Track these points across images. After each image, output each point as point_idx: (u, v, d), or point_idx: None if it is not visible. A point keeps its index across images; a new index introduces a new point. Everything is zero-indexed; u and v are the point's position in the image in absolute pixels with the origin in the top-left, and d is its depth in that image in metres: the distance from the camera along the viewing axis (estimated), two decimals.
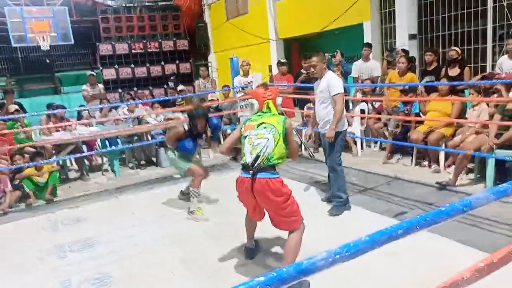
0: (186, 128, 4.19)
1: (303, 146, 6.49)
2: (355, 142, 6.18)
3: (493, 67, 6.10)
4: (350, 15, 8.21)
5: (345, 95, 4.05)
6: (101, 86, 8.46)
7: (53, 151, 6.10)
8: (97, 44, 12.16)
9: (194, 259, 3.27)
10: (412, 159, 5.39)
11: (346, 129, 4.06)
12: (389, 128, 5.78)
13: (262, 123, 2.78)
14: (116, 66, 12.09)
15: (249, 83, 7.00)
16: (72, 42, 11.27)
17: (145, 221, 4.19)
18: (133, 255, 3.42)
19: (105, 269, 3.20)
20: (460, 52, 5.60)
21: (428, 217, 0.88)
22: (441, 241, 3.10)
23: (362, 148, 6.32)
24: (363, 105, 6.44)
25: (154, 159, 6.78)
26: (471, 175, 4.64)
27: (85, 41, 13.02)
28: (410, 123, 5.46)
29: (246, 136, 2.79)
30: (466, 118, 4.90)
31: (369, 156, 6.02)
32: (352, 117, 6.16)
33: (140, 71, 12.37)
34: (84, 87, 8.14)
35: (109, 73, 12.08)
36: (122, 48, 12.19)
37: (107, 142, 6.71)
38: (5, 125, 5.88)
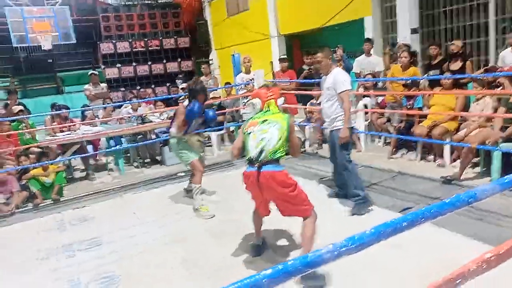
0: (186, 104, 4.23)
1: (306, 142, 6.49)
2: (358, 138, 6.17)
3: (496, 60, 6.07)
4: (351, 10, 8.18)
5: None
6: (103, 85, 8.48)
7: (58, 151, 6.13)
8: (98, 43, 12.19)
9: (199, 257, 3.28)
10: (416, 153, 5.38)
11: (353, 126, 4.00)
12: (393, 124, 5.78)
13: (266, 119, 2.84)
14: (118, 65, 12.12)
15: (251, 80, 6.99)
16: (74, 41, 11.34)
17: (150, 219, 4.21)
18: (138, 254, 3.44)
19: (113, 268, 3.22)
20: (461, 45, 5.57)
21: (433, 209, 0.88)
22: (446, 234, 3.10)
23: (366, 143, 6.31)
24: (366, 100, 6.43)
25: (158, 158, 6.80)
26: (477, 169, 4.62)
27: (87, 40, 13.06)
28: (413, 117, 5.45)
29: (250, 133, 2.82)
30: (469, 112, 4.88)
31: (373, 151, 6.01)
32: (356, 112, 6.15)
33: (142, 70, 12.39)
34: (86, 86, 8.15)
35: (111, 72, 12.11)
36: (123, 46, 12.21)
37: (111, 141, 6.73)
38: (10, 126, 5.91)
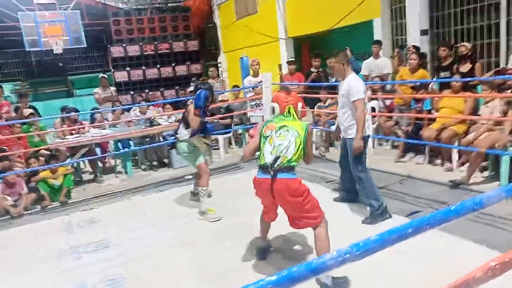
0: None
1: (313, 145, 6.47)
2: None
3: (507, 62, 5.99)
4: (360, 12, 8.16)
5: None
6: (113, 88, 8.57)
7: (68, 154, 6.20)
8: (109, 46, 12.32)
9: (206, 260, 3.29)
10: (424, 157, 5.33)
11: (369, 135, 3.87)
12: (401, 127, 5.73)
13: (285, 125, 2.80)
14: (128, 68, 12.23)
15: (259, 83, 7.00)
16: (85, 45, 11.46)
17: (157, 222, 4.23)
18: (146, 256, 3.46)
19: (120, 271, 3.24)
20: (470, 47, 5.51)
21: (438, 216, 0.88)
22: (454, 240, 3.07)
23: (373, 146, 6.28)
24: (373, 103, 6.39)
25: (166, 161, 6.84)
26: (485, 173, 4.57)
27: (97, 44, 13.22)
28: (422, 120, 5.41)
29: (267, 137, 2.78)
30: (479, 115, 4.83)
31: (381, 155, 5.98)
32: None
33: (152, 73, 12.48)
34: (96, 90, 8.25)
35: (121, 76, 12.22)
36: (133, 50, 12.31)
37: (119, 144, 6.79)
38: (20, 128, 6.00)
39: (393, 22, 7.94)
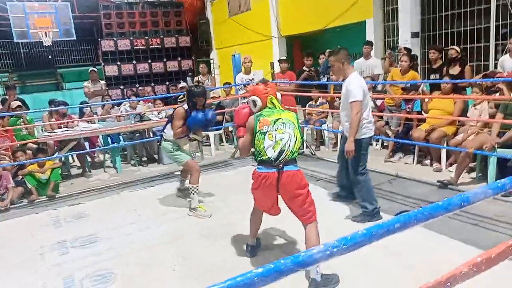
0: (186, 107, 4.14)
1: (304, 144, 6.50)
2: None
3: (495, 65, 6.09)
4: (353, 13, 8.20)
5: None
6: (102, 82, 8.48)
7: (55, 148, 6.12)
8: (99, 40, 12.18)
9: (195, 257, 3.28)
10: (414, 157, 5.39)
11: (371, 136, 3.77)
12: (391, 127, 5.78)
13: (279, 118, 2.77)
14: (118, 63, 12.11)
15: (251, 80, 6.99)
16: (74, 38, 11.32)
17: (146, 218, 4.20)
18: (134, 251, 3.44)
19: (107, 266, 3.21)
20: (459, 50, 5.59)
21: (425, 211, 0.88)
22: (441, 239, 3.11)
23: None
24: None
25: (155, 156, 6.80)
26: (473, 174, 4.63)
27: (87, 37, 13.07)
28: (412, 121, 5.46)
29: (265, 132, 2.74)
30: (468, 117, 4.89)
31: (370, 154, 5.98)
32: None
33: (142, 68, 12.39)
34: (85, 83, 8.15)
35: (111, 70, 12.10)
36: (124, 44, 12.20)
37: (109, 139, 6.73)
38: (7, 120, 5.90)
39: (385, 24, 8.01)
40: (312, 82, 6.79)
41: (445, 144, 4.92)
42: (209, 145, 7.01)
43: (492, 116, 4.47)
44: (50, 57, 13.32)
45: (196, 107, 4.11)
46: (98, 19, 12.38)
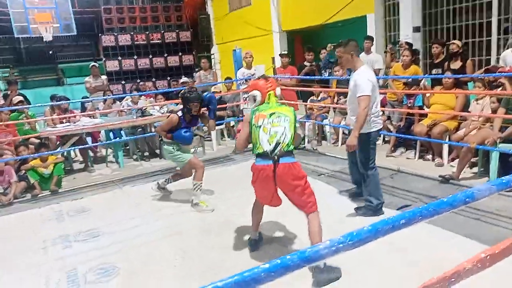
0: (180, 114, 4.12)
1: (306, 139, 6.50)
2: None
3: (497, 60, 6.07)
4: (354, 7, 8.17)
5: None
6: (104, 77, 8.47)
7: (58, 143, 6.14)
8: (100, 35, 12.15)
9: (196, 251, 3.29)
10: (415, 152, 5.39)
11: (378, 130, 3.67)
12: (393, 122, 5.78)
13: (274, 112, 2.82)
14: (119, 58, 12.09)
15: (252, 75, 6.98)
16: (75, 33, 11.30)
17: (148, 212, 4.22)
18: (136, 245, 3.46)
19: (110, 260, 3.23)
20: (461, 45, 5.57)
21: (430, 208, 0.89)
22: (445, 235, 3.12)
23: None
24: None
25: (157, 151, 6.81)
26: (475, 169, 4.63)
27: (88, 32, 13.03)
28: (413, 116, 5.46)
29: (259, 126, 2.79)
30: (469, 112, 4.89)
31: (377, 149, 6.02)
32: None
33: (143, 63, 12.37)
34: (87, 78, 8.14)
35: (112, 65, 12.08)
36: (124, 39, 12.17)
37: (111, 134, 6.74)
38: (9, 115, 5.91)
39: (386, 18, 7.97)
40: (313, 77, 6.78)
41: (447, 139, 4.92)
42: (211, 140, 7.02)
43: (494, 111, 4.46)
44: (50, 52, 13.30)
45: (191, 113, 4.10)
46: (98, 14, 12.36)
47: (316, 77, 6.84)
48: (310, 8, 9.46)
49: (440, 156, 5.05)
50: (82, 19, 12.27)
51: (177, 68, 12.40)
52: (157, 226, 3.83)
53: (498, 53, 6.23)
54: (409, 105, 5.62)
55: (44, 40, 10.99)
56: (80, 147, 6.11)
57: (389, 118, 5.92)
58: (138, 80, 11.61)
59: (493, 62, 6.28)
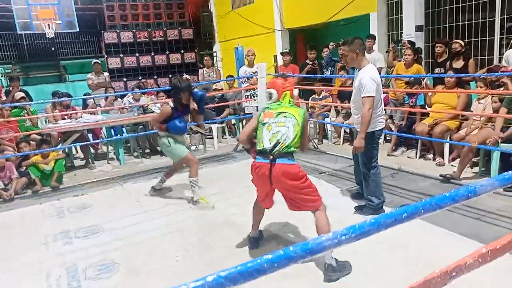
0: (172, 105, 4.15)
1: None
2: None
3: (500, 59, 6.06)
4: (357, 6, 8.16)
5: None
6: (106, 74, 8.48)
7: (59, 139, 6.14)
8: (102, 32, 12.14)
9: (197, 248, 3.30)
10: (416, 151, 5.39)
11: (381, 128, 3.66)
12: (395, 121, 5.77)
13: (283, 112, 2.81)
14: (121, 55, 12.08)
15: (254, 73, 6.98)
16: (77, 30, 11.27)
17: (149, 209, 4.22)
18: (137, 242, 3.46)
19: (110, 256, 3.23)
20: (463, 44, 5.56)
21: (433, 202, 0.89)
22: (443, 233, 3.13)
23: None
24: None
25: (158, 148, 6.81)
26: (476, 169, 4.64)
27: (90, 29, 13.02)
28: (415, 115, 5.45)
29: (265, 123, 2.80)
30: (471, 111, 4.88)
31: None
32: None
33: (145, 60, 12.34)
34: (89, 75, 8.16)
35: (114, 62, 12.06)
36: (127, 36, 12.15)
37: (112, 131, 6.74)
38: (10, 111, 5.92)
39: (389, 17, 7.96)
40: (315, 76, 6.77)
41: (448, 139, 4.91)
42: (212, 138, 7.02)
43: (496, 110, 4.45)
44: (53, 49, 13.28)
45: (181, 102, 4.13)
46: (101, 11, 12.34)
47: (318, 75, 6.84)
48: (312, 7, 9.45)
49: (441, 155, 5.05)
50: (85, 16, 12.26)
51: (179, 66, 12.36)
52: (158, 223, 3.83)
53: (501, 53, 6.22)
54: (411, 104, 5.61)
55: (47, 36, 10.98)
56: (81, 143, 6.11)
57: (391, 117, 5.92)
58: (140, 78, 11.60)
59: (495, 62, 6.27)
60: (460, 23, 6.87)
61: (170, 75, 11.98)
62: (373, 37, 6.97)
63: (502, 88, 4.55)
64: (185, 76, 8.71)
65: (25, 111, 6.22)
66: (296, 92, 3.05)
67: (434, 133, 4.93)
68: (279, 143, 2.70)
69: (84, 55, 13.64)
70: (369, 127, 3.44)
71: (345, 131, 6.46)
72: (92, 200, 4.66)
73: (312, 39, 10.27)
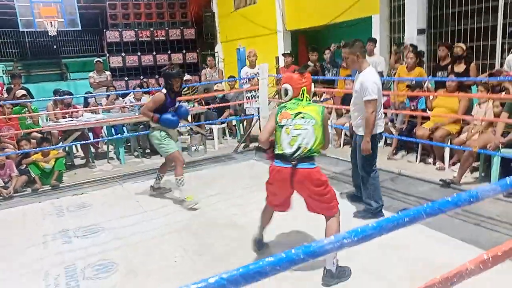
0: (164, 91, 4.16)
1: None
2: None
3: (501, 64, 6.06)
4: (359, 8, 8.16)
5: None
6: (108, 73, 8.48)
7: (59, 137, 6.14)
8: (104, 31, 12.17)
9: (197, 248, 3.30)
10: (417, 155, 5.38)
11: (381, 132, 3.67)
12: (396, 125, 5.77)
13: (300, 112, 2.67)
14: (123, 54, 12.10)
15: (255, 74, 6.98)
16: (79, 28, 11.29)
17: (149, 209, 4.22)
18: (136, 242, 3.46)
19: (109, 256, 3.23)
20: (465, 48, 5.56)
21: (435, 206, 0.89)
22: (444, 239, 3.12)
23: None
24: None
25: None
26: (476, 174, 4.63)
27: (92, 27, 13.03)
28: (416, 119, 5.45)
29: (282, 126, 2.67)
30: (472, 115, 4.88)
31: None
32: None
33: (147, 59, 12.38)
34: (91, 74, 8.16)
35: (115, 61, 12.10)
36: (129, 35, 12.19)
37: (112, 130, 6.74)
38: (11, 109, 5.92)
39: (391, 20, 7.96)
40: (316, 77, 6.76)
41: (449, 143, 4.91)
42: (212, 139, 7.02)
43: (497, 115, 4.45)
44: (55, 47, 13.29)
45: (173, 89, 4.15)
46: (103, 9, 12.37)
47: (319, 77, 6.83)
48: (315, 8, 9.46)
49: (442, 159, 5.04)
50: (87, 14, 12.27)
51: (180, 66, 12.39)
52: (157, 223, 3.83)
53: (502, 57, 6.22)
54: (412, 107, 5.61)
55: (49, 34, 11.00)
56: (81, 142, 6.12)
57: (392, 121, 5.92)
58: (142, 77, 11.62)
59: (497, 66, 6.27)
60: (462, 27, 6.87)
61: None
62: (374, 41, 6.98)
63: (504, 93, 4.55)
64: (187, 76, 8.71)
65: (26, 109, 6.21)
66: (313, 87, 2.91)
67: (435, 137, 4.93)
68: (301, 147, 2.60)
69: (86, 53, 13.65)
70: (373, 129, 3.45)
71: (345, 134, 6.45)
72: (92, 199, 4.66)
73: (314, 41, 10.27)
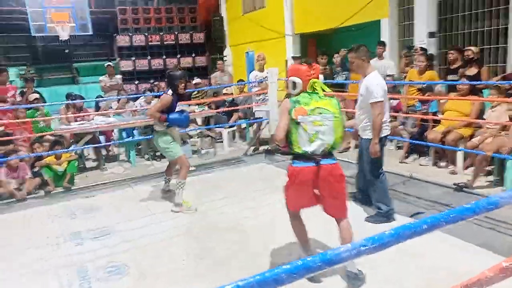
0: (170, 93, 4.19)
1: None
2: None
3: None
4: (368, 12, 8.13)
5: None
6: (118, 77, 8.57)
7: (71, 140, 6.21)
8: (115, 35, 12.30)
9: (206, 252, 3.29)
10: (429, 159, 5.33)
11: (387, 135, 3.63)
12: (407, 128, 5.72)
13: (317, 107, 2.51)
14: (133, 58, 12.21)
15: (264, 78, 6.98)
16: (91, 32, 11.43)
17: (157, 212, 4.24)
18: (145, 245, 3.47)
19: (120, 258, 3.25)
20: (476, 51, 5.50)
21: (453, 213, 0.88)
22: (460, 244, 3.09)
23: None
24: None
25: None
26: (490, 178, 4.57)
27: (103, 32, 13.16)
28: (427, 122, 5.40)
29: (299, 123, 2.49)
30: (484, 119, 4.82)
31: (385, 155, 5.94)
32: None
33: (157, 63, 12.47)
34: (102, 77, 8.25)
35: (126, 65, 12.21)
36: (139, 39, 12.31)
37: (124, 133, 6.79)
38: (25, 113, 6.00)
39: (401, 23, 7.91)
40: (325, 81, 6.74)
41: (462, 147, 4.85)
42: (222, 142, 7.04)
43: (511, 118, 4.39)
44: (66, 51, 13.45)
45: (177, 91, 4.17)
46: (114, 14, 12.50)
47: (327, 81, 6.81)
48: (324, 12, 9.44)
49: (454, 163, 4.99)
50: (98, 19, 12.41)
51: (189, 69, 12.46)
52: (167, 226, 3.85)
53: None
54: (424, 111, 5.56)
55: (60, 39, 11.15)
56: (93, 145, 6.17)
57: (403, 124, 5.87)
58: (152, 80, 11.69)
59: (508, 69, 6.19)
60: (472, 30, 6.80)
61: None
62: (383, 44, 6.94)
63: None
64: (197, 79, 8.75)
65: (39, 112, 6.30)
66: (322, 78, 2.77)
67: (447, 141, 4.88)
68: (323, 144, 2.49)
69: (96, 57, 13.78)
70: (381, 131, 3.45)
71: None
72: (103, 202, 4.70)
73: (323, 44, 10.25)
